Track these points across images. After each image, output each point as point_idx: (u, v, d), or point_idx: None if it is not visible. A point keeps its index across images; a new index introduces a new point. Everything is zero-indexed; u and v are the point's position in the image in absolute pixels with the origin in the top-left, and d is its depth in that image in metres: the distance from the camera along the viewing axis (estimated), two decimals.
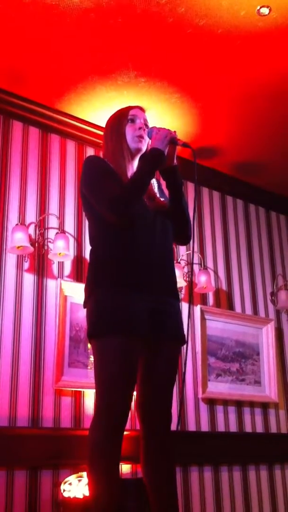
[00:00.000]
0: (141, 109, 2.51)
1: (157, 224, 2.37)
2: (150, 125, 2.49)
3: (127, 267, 2.25)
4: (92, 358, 3.42)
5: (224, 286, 4.38)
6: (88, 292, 2.31)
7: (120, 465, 2.20)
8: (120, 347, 2.16)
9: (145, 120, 2.48)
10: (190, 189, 4.37)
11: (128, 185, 2.29)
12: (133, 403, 2.25)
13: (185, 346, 2.40)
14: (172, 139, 2.36)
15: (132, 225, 2.29)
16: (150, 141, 2.40)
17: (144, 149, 2.43)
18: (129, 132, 2.42)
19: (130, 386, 2.18)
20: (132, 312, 2.19)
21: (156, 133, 2.37)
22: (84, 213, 2.51)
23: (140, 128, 2.42)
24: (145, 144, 2.43)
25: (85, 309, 2.33)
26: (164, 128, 2.39)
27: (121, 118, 2.46)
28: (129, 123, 2.43)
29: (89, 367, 3.43)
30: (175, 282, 2.41)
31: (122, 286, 2.23)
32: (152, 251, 2.31)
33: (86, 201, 2.39)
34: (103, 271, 2.28)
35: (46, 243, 3.53)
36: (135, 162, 2.44)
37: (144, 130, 2.42)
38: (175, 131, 2.40)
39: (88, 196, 2.36)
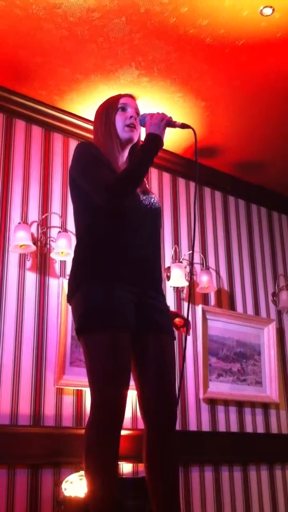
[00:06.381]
0: (132, 97, 2.42)
1: (148, 219, 2.31)
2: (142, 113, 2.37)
3: (115, 260, 2.18)
4: None
5: (225, 286, 4.38)
6: (73, 286, 2.22)
7: (118, 463, 2.15)
8: (113, 343, 2.10)
9: (137, 109, 2.39)
10: (192, 189, 4.38)
11: (127, 171, 2.19)
12: (136, 402, 2.23)
13: (183, 346, 2.35)
14: (168, 122, 2.28)
15: (122, 218, 2.22)
16: (143, 128, 2.30)
17: (135, 139, 2.34)
18: (119, 121, 2.33)
19: (125, 382, 2.12)
20: (123, 306, 2.14)
21: (150, 118, 2.27)
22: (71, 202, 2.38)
23: (131, 117, 2.33)
24: (137, 134, 2.35)
25: (70, 305, 2.25)
26: (158, 112, 2.28)
27: (110, 107, 2.37)
28: (120, 112, 2.35)
29: None
30: (161, 278, 2.37)
31: (109, 279, 2.16)
32: (140, 245, 2.24)
33: (76, 188, 2.30)
34: (90, 264, 2.20)
35: (48, 242, 3.53)
36: (125, 153, 2.36)
37: (135, 119, 2.33)
38: (170, 116, 2.30)
39: (80, 182, 2.26)
